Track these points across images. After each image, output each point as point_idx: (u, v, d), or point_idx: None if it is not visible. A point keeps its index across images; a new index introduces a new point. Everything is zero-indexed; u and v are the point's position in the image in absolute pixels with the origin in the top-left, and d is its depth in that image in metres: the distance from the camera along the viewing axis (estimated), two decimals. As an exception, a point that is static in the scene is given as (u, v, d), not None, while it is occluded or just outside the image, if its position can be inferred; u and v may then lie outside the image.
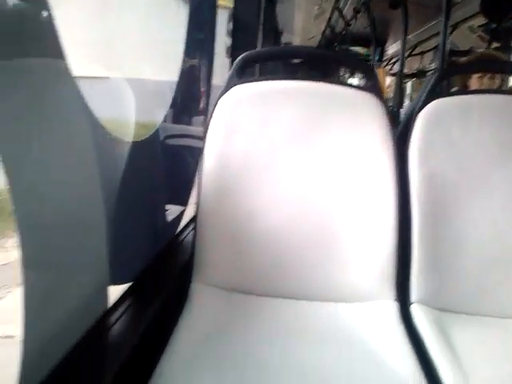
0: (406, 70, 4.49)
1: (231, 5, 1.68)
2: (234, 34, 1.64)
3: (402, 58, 3.60)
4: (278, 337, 0.91)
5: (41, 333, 0.63)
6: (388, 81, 6.44)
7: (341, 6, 4.83)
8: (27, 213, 0.59)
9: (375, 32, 4.46)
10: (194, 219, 1.08)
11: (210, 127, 1.05)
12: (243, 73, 1.10)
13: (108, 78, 0.93)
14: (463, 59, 2.52)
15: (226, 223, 1.04)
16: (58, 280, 0.69)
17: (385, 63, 6.39)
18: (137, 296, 0.95)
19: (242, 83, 1.07)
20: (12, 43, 0.56)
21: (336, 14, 5.24)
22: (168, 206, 1.21)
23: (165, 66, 1.18)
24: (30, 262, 0.57)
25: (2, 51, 0.54)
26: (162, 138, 1.15)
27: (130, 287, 0.95)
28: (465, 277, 1.07)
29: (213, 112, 1.06)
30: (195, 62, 1.35)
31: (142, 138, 1.00)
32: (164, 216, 1.17)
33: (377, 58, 5.30)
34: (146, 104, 1.07)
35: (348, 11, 4.85)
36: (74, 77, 0.67)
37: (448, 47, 2.35)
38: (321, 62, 6.16)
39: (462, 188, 1.08)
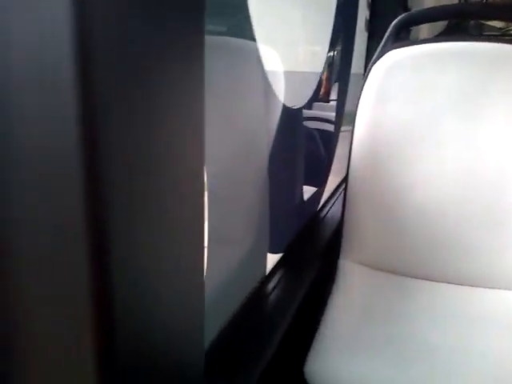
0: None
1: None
2: (374, 4, 1.55)
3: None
4: (442, 321, 0.83)
5: (211, 292, 0.63)
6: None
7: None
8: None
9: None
10: (331, 197, 1.03)
11: (361, 96, 0.99)
12: (398, 37, 1.01)
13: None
14: None
15: (377, 197, 0.97)
16: (230, 242, 0.70)
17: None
18: (287, 268, 0.93)
19: (396, 48, 0.99)
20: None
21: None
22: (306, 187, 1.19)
23: (314, 54, 1.15)
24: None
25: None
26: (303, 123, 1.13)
27: (280, 259, 0.94)
28: None
29: (365, 80, 1.00)
30: (339, 46, 1.30)
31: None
32: (302, 192, 1.15)
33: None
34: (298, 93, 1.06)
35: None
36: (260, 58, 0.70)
37: None
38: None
39: None
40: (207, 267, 0.57)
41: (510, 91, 0.93)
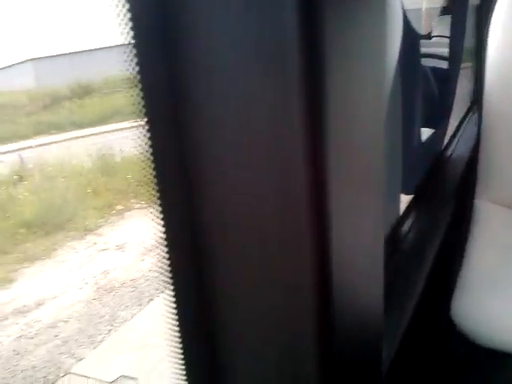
0: None
1: None
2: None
3: None
4: None
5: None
6: None
7: None
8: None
9: None
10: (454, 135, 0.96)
11: (492, 19, 0.90)
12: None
13: None
14: None
15: None
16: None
17: None
18: (420, 210, 0.87)
19: None
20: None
21: None
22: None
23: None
24: None
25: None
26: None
27: (412, 200, 0.88)
28: None
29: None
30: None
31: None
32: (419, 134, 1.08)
33: None
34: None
35: None
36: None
37: None
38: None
39: None
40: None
41: None
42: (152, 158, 0.29)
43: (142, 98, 0.27)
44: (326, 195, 0.26)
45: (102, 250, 4.29)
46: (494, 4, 0.91)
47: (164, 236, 0.30)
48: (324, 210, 0.26)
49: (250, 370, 0.32)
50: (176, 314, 0.32)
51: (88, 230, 4.73)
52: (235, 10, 0.24)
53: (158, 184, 0.29)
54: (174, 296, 0.31)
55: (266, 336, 0.30)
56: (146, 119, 0.28)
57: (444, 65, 1.18)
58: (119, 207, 5.31)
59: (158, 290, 3.40)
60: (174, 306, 0.32)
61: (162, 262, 0.31)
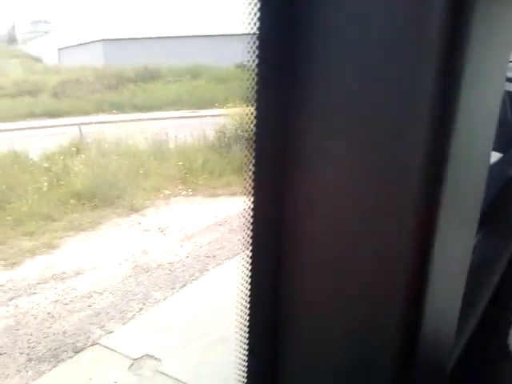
0: None
1: None
2: None
3: None
4: None
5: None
6: None
7: None
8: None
9: None
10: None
11: None
12: None
13: None
14: None
15: None
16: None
17: None
18: (486, 233, 0.83)
19: None
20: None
21: None
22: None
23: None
24: None
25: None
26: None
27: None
28: None
29: None
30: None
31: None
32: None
33: None
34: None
35: None
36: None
37: None
38: None
39: None
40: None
41: None
42: (254, 146, 0.30)
43: (254, 87, 0.29)
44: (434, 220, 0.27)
45: (145, 230, 4.39)
46: None
47: (251, 232, 0.31)
48: (427, 249, 0.27)
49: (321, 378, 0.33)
50: (249, 308, 0.33)
51: (134, 210, 4.86)
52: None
53: (255, 174, 0.30)
54: (250, 290, 0.33)
55: (343, 346, 0.31)
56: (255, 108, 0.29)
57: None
58: (166, 192, 5.42)
59: (192, 276, 3.44)
60: (248, 299, 0.33)
61: (245, 258, 0.32)
